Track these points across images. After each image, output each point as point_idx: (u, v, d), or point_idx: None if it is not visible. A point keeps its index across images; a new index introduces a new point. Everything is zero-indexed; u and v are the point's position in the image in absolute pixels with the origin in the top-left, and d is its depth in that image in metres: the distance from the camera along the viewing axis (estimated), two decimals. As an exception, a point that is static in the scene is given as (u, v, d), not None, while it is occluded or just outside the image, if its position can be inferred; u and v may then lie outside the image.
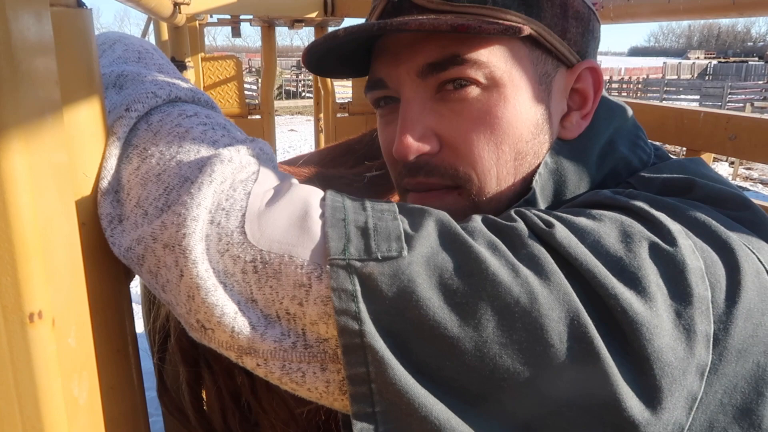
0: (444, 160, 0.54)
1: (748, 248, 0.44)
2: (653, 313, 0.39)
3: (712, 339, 0.40)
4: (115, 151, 0.44)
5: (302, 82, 22.35)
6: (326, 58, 0.58)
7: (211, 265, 0.39)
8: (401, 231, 0.40)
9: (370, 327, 0.37)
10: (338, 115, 2.86)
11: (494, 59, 0.52)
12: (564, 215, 0.45)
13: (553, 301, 0.38)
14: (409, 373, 0.37)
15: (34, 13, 0.31)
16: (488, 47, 0.52)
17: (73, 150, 0.41)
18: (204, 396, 0.71)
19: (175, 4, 1.52)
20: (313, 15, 2.24)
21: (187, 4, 1.56)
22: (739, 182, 8.63)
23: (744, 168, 9.26)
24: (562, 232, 0.41)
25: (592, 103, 0.58)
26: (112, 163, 0.43)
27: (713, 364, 0.40)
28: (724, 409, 0.41)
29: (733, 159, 8.67)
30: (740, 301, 0.41)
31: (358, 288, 0.38)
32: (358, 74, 0.63)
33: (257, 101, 2.94)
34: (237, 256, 0.39)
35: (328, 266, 0.38)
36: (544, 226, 0.42)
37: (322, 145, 2.76)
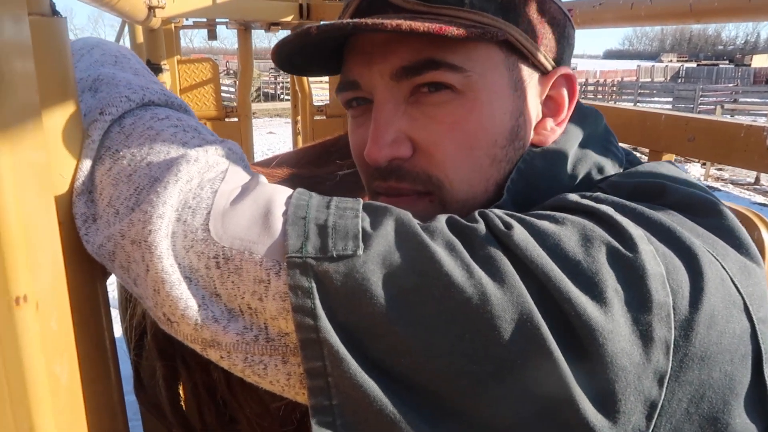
0: (416, 166, 0.54)
1: (712, 255, 0.44)
2: (608, 317, 0.39)
3: (672, 346, 0.40)
4: (89, 153, 0.45)
5: (281, 84, 22.25)
6: (297, 56, 0.57)
7: (176, 260, 0.41)
8: (359, 229, 0.41)
9: (325, 323, 0.38)
10: (315, 117, 2.87)
11: (470, 64, 0.52)
12: (526, 218, 0.45)
13: (506, 303, 0.38)
14: (365, 367, 0.38)
15: (14, 21, 0.33)
16: (464, 51, 0.52)
17: (50, 152, 0.43)
18: (181, 392, 0.73)
19: (150, 8, 1.53)
20: (289, 18, 2.26)
21: (162, 8, 1.56)
22: (710, 183, 8.84)
23: (715, 169, 9.48)
24: (520, 234, 0.42)
25: (566, 110, 0.58)
26: (86, 165, 0.45)
27: (674, 371, 0.40)
28: (690, 418, 0.41)
29: (705, 161, 8.89)
30: (703, 307, 0.41)
31: (314, 285, 0.39)
32: (329, 72, 0.62)
33: (235, 104, 2.94)
34: (201, 252, 0.41)
35: (285, 263, 0.39)
36: (503, 228, 0.42)
37: (300, 147, 2.76)
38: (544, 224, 0.44)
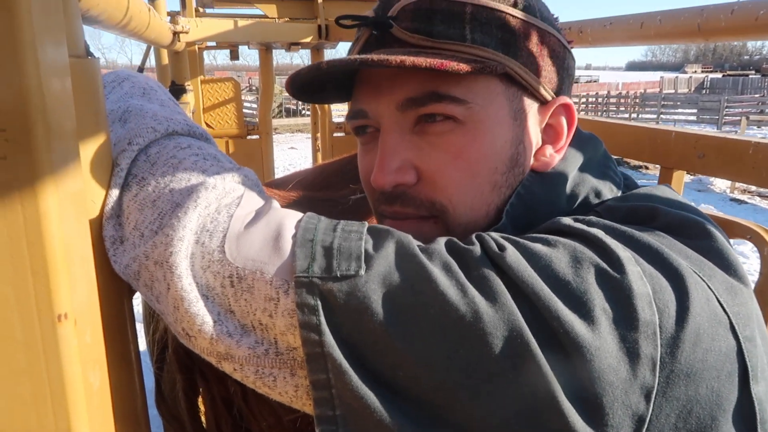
0: (420, 192, 0.57)
1: (699, 275, 0.46)
2: (596, 335, 0.41)
3: (658, 362, 0.41)
4: (118, 181, 0.49)
5: (302, 100, 22.48)
6: (309, 86, 0.61)
7: (195, 279, 0.44)
8: (362, 251, 0.44)
9: (329, 338, 0.41)
10: (335, 134, 2.94)
11: (471, 96, 0.55)
12: (520, 240, 0.47)
13: (498, 320, 0.41)
14: (366, 380, 0.41)
15: (60, 69, 0.37)
16: (466, 84, 0.55)
17: (84, 180, 0.47)
18: (200, 405, 0.76)
19: (175, 33, 1.60)
20: (308, 39, 2.32)
21: (186, 32, 1.63)
22: (737, 195, 8.69)
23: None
24: (512, 255, 0.44)
25: (565, 137, 0.61)
26: (115, 192, 0.49)
27: (660, 386, 0.42)
28: None
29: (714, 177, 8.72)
30: (688, 326, 0.43)
31: (319, 303, 0.42)
32: (342, 99, 0.66)
33: (257, 120, 3.02)
34: (217, 272, 0.44)
35: (293, 283, 0.42)
36: (496, 249, 0.45)
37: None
38: (536, 246, 0.46)
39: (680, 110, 21.04)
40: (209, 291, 0.45)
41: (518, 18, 0.57)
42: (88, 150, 0.47)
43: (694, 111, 19.85)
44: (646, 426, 0.41)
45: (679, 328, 0.42)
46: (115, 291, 0.50)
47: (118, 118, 0.55)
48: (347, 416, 0.41)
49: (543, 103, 0.60)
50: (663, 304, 0.43)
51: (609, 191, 0.61)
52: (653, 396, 0.41)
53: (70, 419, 0.35)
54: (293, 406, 0.46)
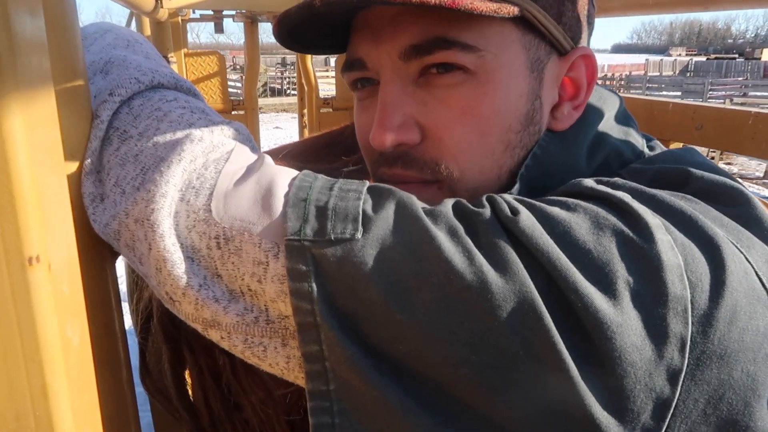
0: (425, 153, 0.51)
1: (736, 246, 0.41)
2: (618, 310, 0.37)
3: (688, 342, 0.37)
4: (98, 134, 0.45)
5: (287, 79, 22.28)
6: (301, 30, 0.54)
7: (179, 240, 0.41)
8: (359, 212, 0.40)
9: (322, 307, 0.37)
10: (322, 110, 2.88)
11: (484, 42, 0.49)
12: (537, 203, 0.42)
13: (508, 291, 0.36)
14: (363, 353, 0.37)
15: (29, 10, 0.33)
16: (478, 29, 0.49)
17: (61, 132, 0.44)
18: (187, 379, 0.73)
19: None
20: (296, 10, 2.26)
21: (169, -2, 1.57)
22: (719, 177, 8.76)
23: (724, 163, 9.41)
24: (527, 220, 0.40)
25: (585, 93, 0.55)
26: (95, 145, 0.45)
27: (690, 369, 0.37)
28: (706, 420, 0.38)
29: (713, 153, 8.83)
30: (724, 302, 0.38)
31: (312, 269, 0.38)
32: (336, 50, 0.59)
33: (242, 98, 2.95)
34: (203, 232, 0.40)
35: (283, 246, 0.39)
36: (509, 213, 0.40)
37: (306, 140, 2.75)
38: (554, 210, 0.41)
39: (665, 92, 21.19)
40: (195, 253, 0.41)
41: None
42: (64, 101, 0.43)
43: (679, 93, 20.00)
44: (671, 411, 0.37)
45: (713, 305, 0.38)
46: (97, 251, 0.46)
47: (100, 69, 0.50)
48: (342, 391, 0.38)
49: (562, 53, 0.54)
50: (696, 277, 0.38)
51: (632, 152, 0.55)
52: (681, 379, 0.37)
53: (45, 376, 0.31)
54: (285, 378, 0.43)
